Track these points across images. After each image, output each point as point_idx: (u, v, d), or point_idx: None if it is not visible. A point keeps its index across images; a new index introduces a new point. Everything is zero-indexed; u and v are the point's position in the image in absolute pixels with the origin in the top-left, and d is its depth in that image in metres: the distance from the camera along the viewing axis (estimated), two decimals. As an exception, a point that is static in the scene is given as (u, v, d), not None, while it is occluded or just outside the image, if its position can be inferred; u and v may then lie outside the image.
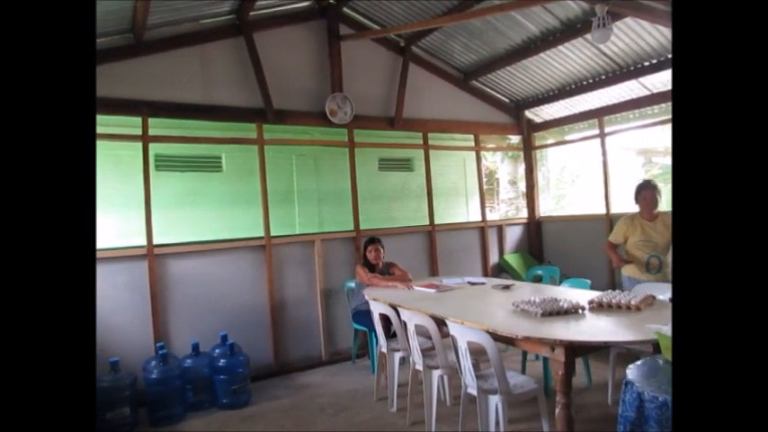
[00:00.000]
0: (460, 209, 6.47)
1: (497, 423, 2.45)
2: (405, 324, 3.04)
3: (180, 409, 3.45)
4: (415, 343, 3.02)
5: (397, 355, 3.32)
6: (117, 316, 3.70)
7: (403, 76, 5.13)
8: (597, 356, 3.58)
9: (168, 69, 4.01)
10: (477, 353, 2.55)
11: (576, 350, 2.21)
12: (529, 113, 6.09)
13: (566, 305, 2.60)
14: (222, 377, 3.59)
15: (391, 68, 5.15)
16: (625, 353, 3.12)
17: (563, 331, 2.27)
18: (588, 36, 4.24)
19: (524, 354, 3.71)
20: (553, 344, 2.18)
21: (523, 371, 3.62)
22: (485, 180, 6.10)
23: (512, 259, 5.82)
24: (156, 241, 3.87)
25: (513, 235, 6.05)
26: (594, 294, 2.86)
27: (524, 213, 6.26)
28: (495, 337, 2.37)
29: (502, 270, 5.79)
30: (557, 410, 2.24)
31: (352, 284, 4.42)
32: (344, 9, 4.79)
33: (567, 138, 6.15)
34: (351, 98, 4.75)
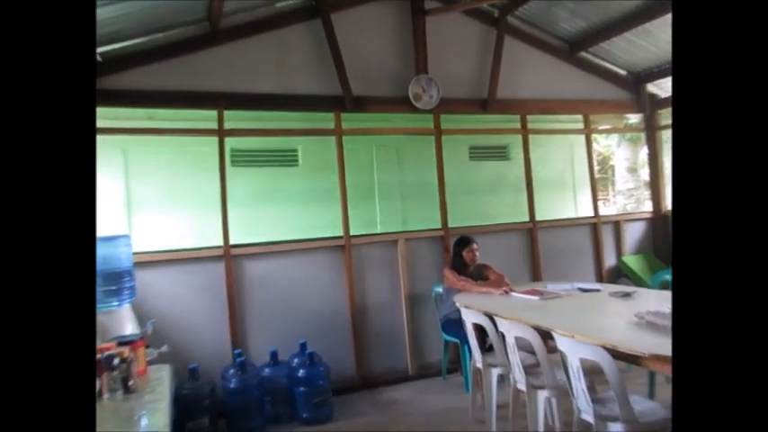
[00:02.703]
0: (567, 203, 6.21)
1: (619, 457, 2.30)
2: (503, 336, 2.97)
3: (259, 422, 3.63)
4: (515, 358, 2.93)
5: (495, 372, 3.24)
6: (195, 320, 3.97)
7: (497, 51, 5.00)
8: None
9: (243, 58, 4.23)
10: (593, 372, 2.42)
11: (721, 373, 2.02)
12: (652, 87, 5.70)
13: (706, 318, 2.38)
14: (302, 389, 3.72)
15: (483, 44, 5.04)
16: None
17: (703, 350, 2.08)
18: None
19: (651, 375, 3.48)
20: (691, 365, 2.01)
21: (651, 396, 3.39)
22: (597, 168, 5.80)
23: (632, 262, 5.48)
24: (232, 241, 4.10)
25: (633, 233, 5.69)
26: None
27: (648, 207, 5.90)
28: (615, 354, 2.23)
29: (620, 275, 5.48)
30: (696, 446, 2.06)
31: (440, 289, 4.39)
32: (429, -21, 4.77)
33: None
34: (437, 80, 4.71)
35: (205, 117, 4.17)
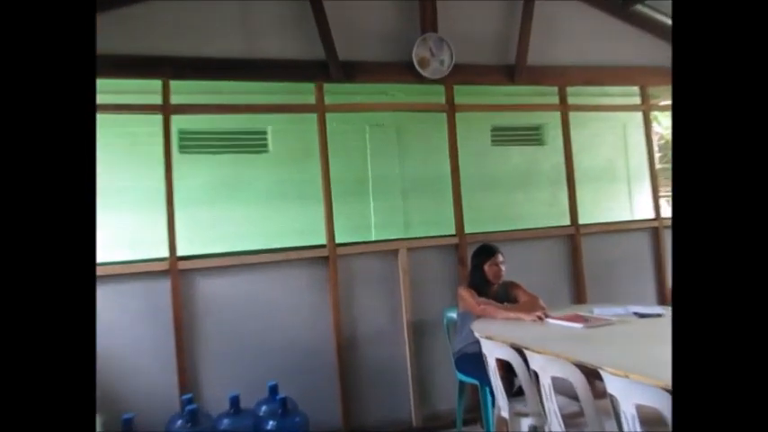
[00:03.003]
0: (620, 200, 6.22)
1: None
2: (536, 376, 2.99)
3: (215, 488, 3.63)
4: (552, 405, 2.94)
5: (526, 423, 3.26)
6: (131, 355, 3.96)
7: (528, 3, 5.02)
8: None
9: (196, 12, 4.24)
10: (653, 422, 2.43)
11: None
12: (729, 50, 5.72)
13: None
14: (272, 445, 3.72)
15: (510, -8, 5.07)
16: None
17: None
18: None
19: (729, 427, 3.49)
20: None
21: (728, 454, 3.40)
22: (658, 155, 5.81)
23: (704, 279, 5.50)
24: (180, 252, 4.10)
25: (705, 241, 5.71)
26: None
27: (724, 207, 5.90)
28: (683, 399, 2.25)
29: (688, 295, 5.49)
30: None
31: (455, 315, 4.40)
32: None
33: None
34: (449, 41, 4.73)
35: (145, 89, 4.17)
